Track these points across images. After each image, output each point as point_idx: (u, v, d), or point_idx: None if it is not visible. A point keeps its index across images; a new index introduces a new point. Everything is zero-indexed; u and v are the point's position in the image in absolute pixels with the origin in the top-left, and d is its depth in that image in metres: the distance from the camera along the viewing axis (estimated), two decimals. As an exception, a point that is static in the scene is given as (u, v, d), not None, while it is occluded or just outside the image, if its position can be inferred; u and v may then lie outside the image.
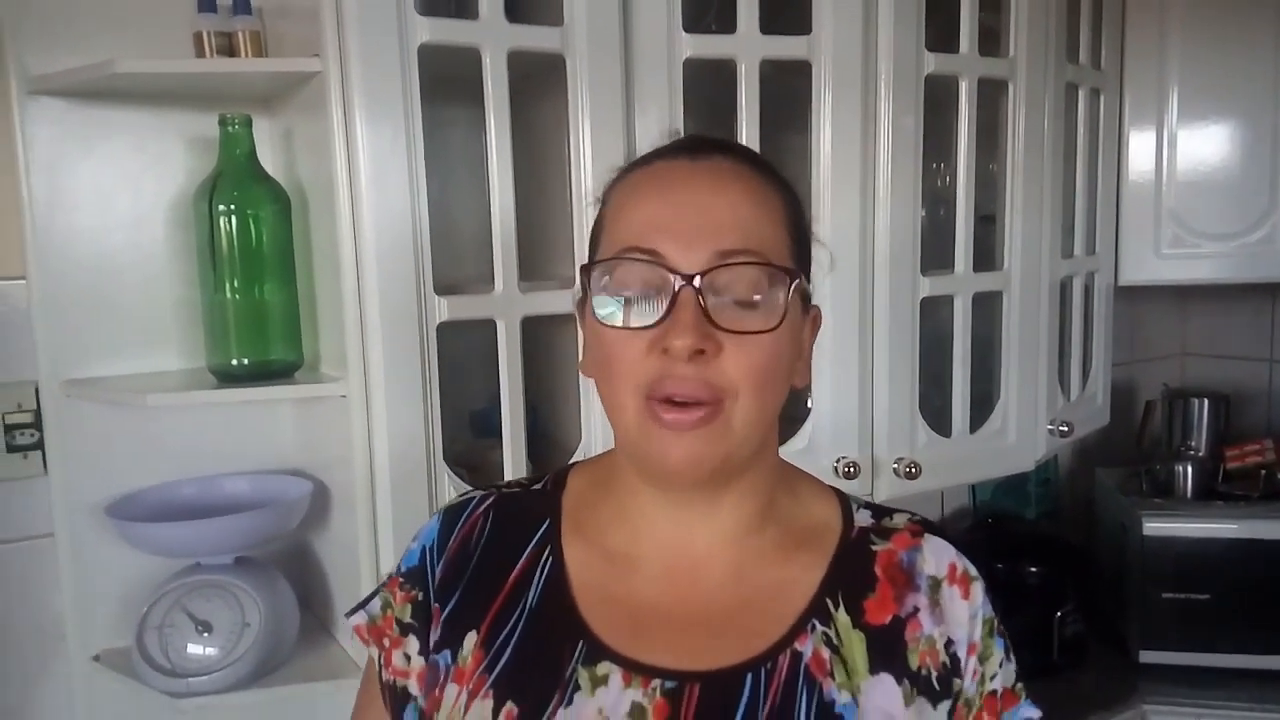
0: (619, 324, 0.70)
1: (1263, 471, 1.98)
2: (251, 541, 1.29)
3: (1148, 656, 1.89)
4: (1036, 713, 0.80)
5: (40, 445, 1.31)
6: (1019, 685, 0.80)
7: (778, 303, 0.70)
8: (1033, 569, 1.83)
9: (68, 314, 1.30)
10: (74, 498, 1.32)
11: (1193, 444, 2.05)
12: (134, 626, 1.25)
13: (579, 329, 0.79)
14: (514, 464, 1.25)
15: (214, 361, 1.27)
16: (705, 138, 0.77)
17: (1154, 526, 1.87)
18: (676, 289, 0.68)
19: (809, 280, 0.77)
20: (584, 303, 0.76)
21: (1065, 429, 1.69)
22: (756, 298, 0.70)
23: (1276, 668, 1.84)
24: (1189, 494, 1.97)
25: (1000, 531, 2.05)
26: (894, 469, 1.47)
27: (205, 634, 1.24)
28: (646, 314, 0.69)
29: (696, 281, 0.68)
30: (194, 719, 1.28)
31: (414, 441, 1.19)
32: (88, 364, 1.32)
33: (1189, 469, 1.98)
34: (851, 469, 1.42)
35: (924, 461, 1.48)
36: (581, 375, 0.79)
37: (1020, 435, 1.63)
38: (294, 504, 1.31)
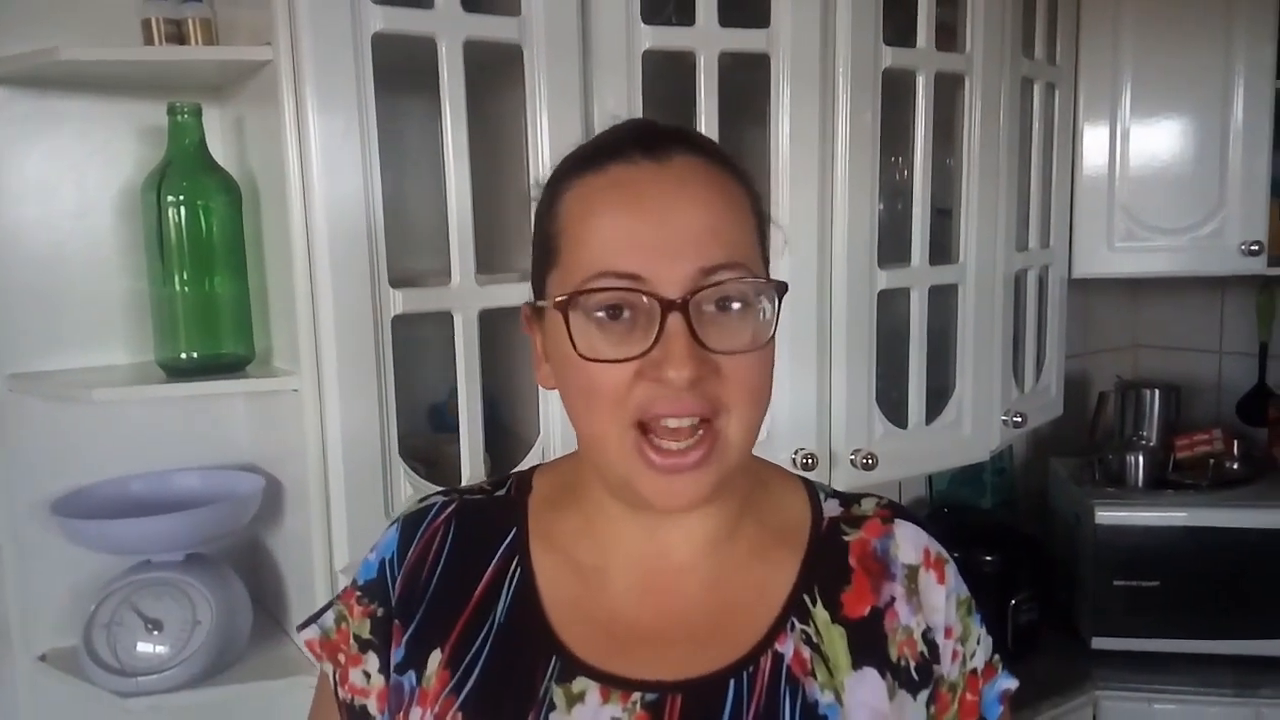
0: (603, 355, 0.65)
1: (1211, 461, 2.03)
2: (202, 538, 1.27)
3: (1100, 643, 1.92)
4: (1014, 682, 0.80)
5: (-17, 441, 1.28)
6: (996, 657, 0.80)
7: (766, 316, 0.67)
8: (988, 557, 1.86)
9: (12, 307, 1.28)
10: (19, 494, 1.29)
11: (1144, 434, 2.08)
12: (81, 625, 1.23)
13: (531, 337, 0.75)
14: (471, 458, 1.25)
15: (163, 355, 1.25)
16: (656, 127, 0.72)
17: (1106, 515, 1.90)
18: (663, 315, 0.64)
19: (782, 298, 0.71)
20: (539, 311, 0.72)
21: (1019, 420, 1.71)
22: (741, 307, 0.66)
23: (1224, 652, 1.88)
24: (1140, 483, 2.01)
25: (956, 521, 2.07)
26: (851, 460, 1.49)
27: (155, 632, 1.22)
28: (632, 341, 0.65)
29: (683, 304, 0.64)
30: (144, 719, 1.26)
31: (368, 436, 1.17)
32: (33, 358, 1.29)
33: (1140, 459, 2.02)
34: (809, 461, 1.43)
35: (881, 453, 1.49)
36: (540, 385, 0.75)
37: (975, 426, 1.65)
38: (246, 500, 1.29)
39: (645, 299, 0.64)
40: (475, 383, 1.24)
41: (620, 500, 0.73)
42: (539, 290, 0.73)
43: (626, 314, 0.65)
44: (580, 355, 0.66)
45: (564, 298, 0.66)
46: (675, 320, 0.64)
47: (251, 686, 1.25)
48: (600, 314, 0.66)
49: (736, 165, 0.72)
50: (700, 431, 0.66)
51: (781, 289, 0.68)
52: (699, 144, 0.72)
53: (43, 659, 1.30)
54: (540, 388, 1.26)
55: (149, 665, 1.21)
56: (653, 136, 0.70)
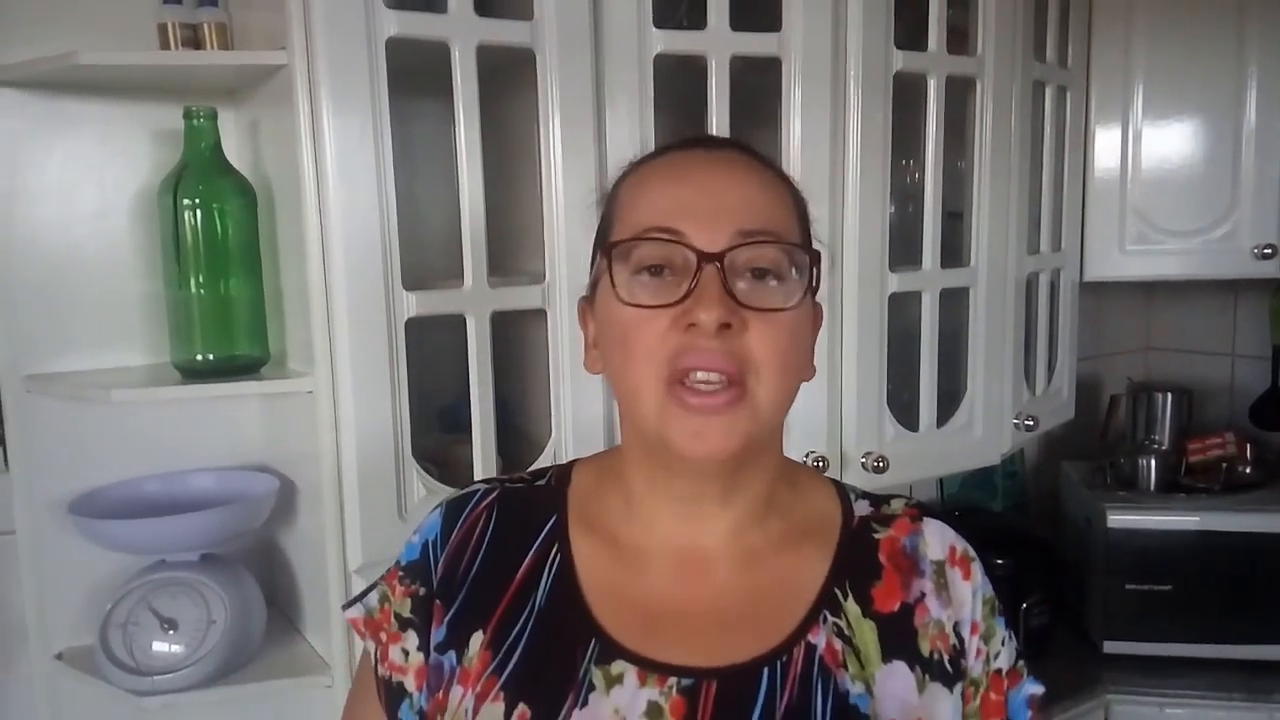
0: (642, 302, 0.69)
1: (1224, 464, 2.02)
2: (217, 538, 1.28)
3: (1111, 647, 1.92)
4: (1039, 688, 0.81)
5: (1, 441, 1.29)
6: (1021, 663, 0.81)
7: (798, 282, 0.71)
8: (999, 561, 1.85)
9: (30, 308, 1.29)
10: (36, 494, 1.30)
11: (1156, 437, 2.07)
12: (98, 624, 1.24)
13: (583, 327, 0.79)
14: (484, 460, 1.25)
15: (178, 357, 1.26)
16: (715, 136, 0.78)
17: (1117, 519, 1.89)
18: (700, 267, 0.68)
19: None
20: (590, 298, 0.77)
21: (1031, 423, 1.71)
22: (775, 279, 0.70)
23: (1236, 657, 1.87)
24: (1152, 487, 2.00)
25: (967, 524, 2.05)
26: (862, 463, 1.49)
27: (170, 631, 1.23)
28: (669, 292, 0.69)
29: (719, 258, 0.68)
30: (159, 717, 1.27)
31: (382, 437, 1.18)
32: (50, 359, 1.30)
33: (1152, 462, 2.01)
34: (820, 463, 1.43)
35: (892, 456, 1.50)
36: (587, 371, 0.79)
37: (987, 429, 1.65)
38: (260, 500, 1.30)
39: (684, 253, 0.69)
40: (488, 385, 1.25)
41: (656, 462, 0.75)
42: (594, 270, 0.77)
43: (667, 273, 0.70)
44: (621, 300, 0.70)
45: (611, 246, 0.72)
46: (710, 270, 0.68)
47: (265, 685, 1.25)
48: (643, 274, 0.70)
49: (786, 175, 0.79)
50: (729, 384, 0.69)
51: (815, 258, 0.72)
52: (751, 150, 0.78)
53: (59, 658, 1.31)
54: (556, 391, 1.29)
55: (164, 664, 1.22)
56: (711, 138, 0.80)
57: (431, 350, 1.29)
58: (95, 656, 1.23)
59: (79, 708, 1.32)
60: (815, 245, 0.78)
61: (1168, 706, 1.82)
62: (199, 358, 1.25)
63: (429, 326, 1.22)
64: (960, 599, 0.79)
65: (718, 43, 1.33)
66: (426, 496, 1.21)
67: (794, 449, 1.41)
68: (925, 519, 0.82)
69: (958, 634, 0.78)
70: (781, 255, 0.70)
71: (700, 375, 0.68)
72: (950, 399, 1.63)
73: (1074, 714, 1.79)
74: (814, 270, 0.72)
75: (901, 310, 1.53)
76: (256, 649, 1.30)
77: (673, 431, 0.69)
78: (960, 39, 1.56)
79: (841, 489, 0.84)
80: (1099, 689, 1.84)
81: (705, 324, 0.67)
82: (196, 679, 1.22)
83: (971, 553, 0.81)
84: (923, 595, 0.78)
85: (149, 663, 1.22)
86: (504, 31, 1.21)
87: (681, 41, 1.32)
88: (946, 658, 0.76)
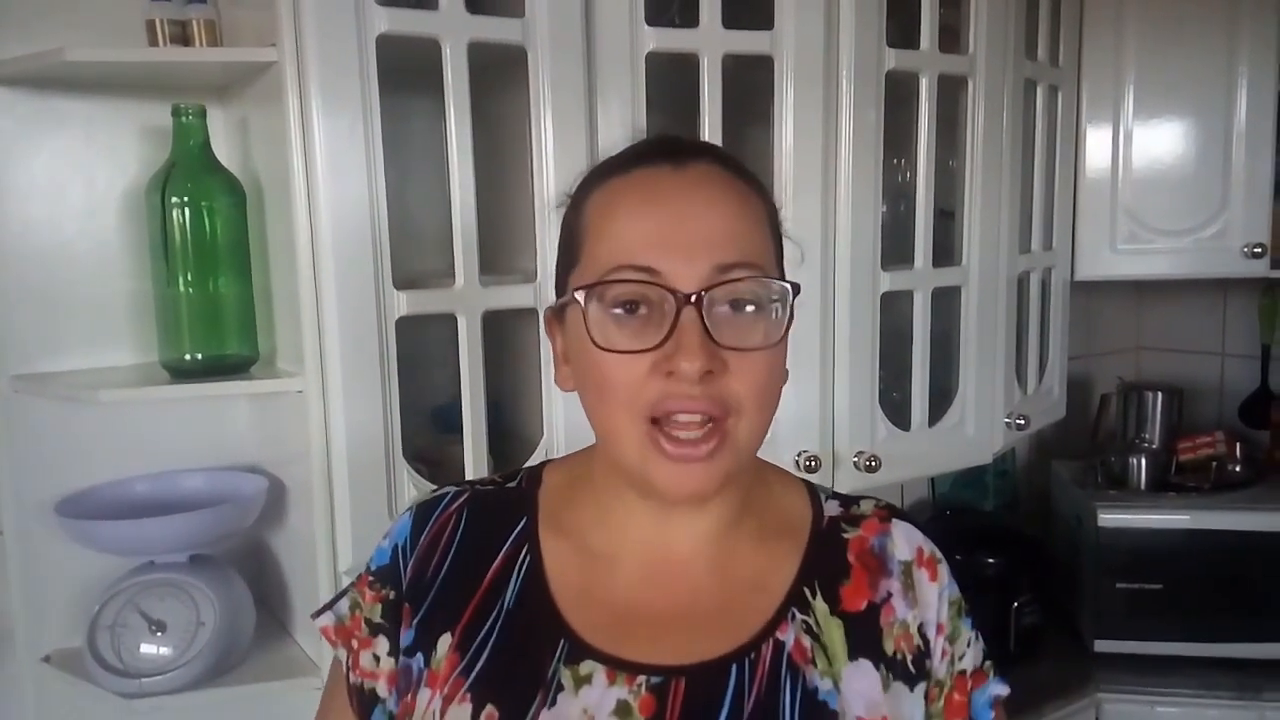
0: (618, 347, 0.67)
1: (1214, 463, 2.03)
2: (206, 539, 1.27)
3: (1102, 645, 1.92)
4: (1005, 689, 0.82)
5: (-13, 442, 1.28)
6: (987, 664, 0.82)
7: (778, 316, 0.70)
8: (990, 560, 1.85)
9: (17, 307, 1.28)
10: (23, 495, 1.29)
11: (1146, 436, 2.08)
12: (85, 626, 1.23)
13: (551, 340, 0.78)
14: (475, 460, 1.25)
15: (167, 356, 1.25)
16: (681, 139, 0.75)
17: (1108, 518, 1.90)
18: (678, 309, 0.66)
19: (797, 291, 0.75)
20: (560, 313, 0.75)
21: (1022, 422, 1.71)
22: (753, 310, 0.69)
23: (1227, 655, 1.88)
24: (1142, 486, 2.01)
25: (959, 523, 2.07)
26: (854, 462, 1.49)
27: (159, 633, 1.22)
28: (647, 336, 0.67)
29: (697, 299, 0.66)
30: (148, 720, 1.26)
31: (373, 437, 1.17)
32: (37, 359, 1.29)
33: (1143, 461, 2.01)
34: (812, 463, 1.43)
35: (884, 455, 1.49)
36: (558, 388, 0.77)
37: (978, 428, 1.65)
38: (250, 501, 1.29)
39: (660, 292, 0.67)
40: (479, 384, 1.24)
41: (633, 489, 0.74)
42: (561, 290, 0.75)
43: (643, 309, 0.68)
44: (596, 345, 0.68)
45: (584, 288, 0.69)
46: (689, 314, 0.66)
47: (255, 688, 1.25)
48: (617, 310, 0.68)
49: (755, 178, 0.76)
50: (710, 425, 0.68)
51: (795, 290, 0.71)
52: (720, 156, 0.75)
53: (47, 660, 1.30)
54: (548, 391, 1.29)
55: (153, 666, 1.21)
56: (677, 147, 0.74)
57: (424, 350, 1.28)
58: (83, 659, 1.22)
59: (67, 710, 1.31)
60: (787, 243, 0.77)
61: (1159, 705, 1.82)
62: (188, 357, 1.24)
63: (421, 326, 1.22)
64: (926, 600, 0.79)
65: (710, 41, 1.33)
66: (417, 497, 1.20)
67: (785, 449, 1.42)
68: (894, 520, 0.82)
69: (922, 635, 0.78)
70: (761, 287, 0.69)
71: (682, 418, 0.68)
72: (942, 398, 1.63)
73: (1065, 713, 1.79)
74: (792, 300, 0.71)
75: (893, 309, 1.53)
76: (246, 651, 1.29)
77: (654, 475, 0.69)
78: (952, 38, 1.56)
79: (812, 489, 0.85)
80: (1090, 688, 1.84)
81: (687, 373, 0.65)
82: (185, 681, 1.21)
83: (939, 554, 0.82)
84: (889, 595, 0.78)
85: (137, 665, 1.21)
86: (495, 29, 1.21)
87: (673, 39, 1.32)
88: (910, 657, 0.77)
